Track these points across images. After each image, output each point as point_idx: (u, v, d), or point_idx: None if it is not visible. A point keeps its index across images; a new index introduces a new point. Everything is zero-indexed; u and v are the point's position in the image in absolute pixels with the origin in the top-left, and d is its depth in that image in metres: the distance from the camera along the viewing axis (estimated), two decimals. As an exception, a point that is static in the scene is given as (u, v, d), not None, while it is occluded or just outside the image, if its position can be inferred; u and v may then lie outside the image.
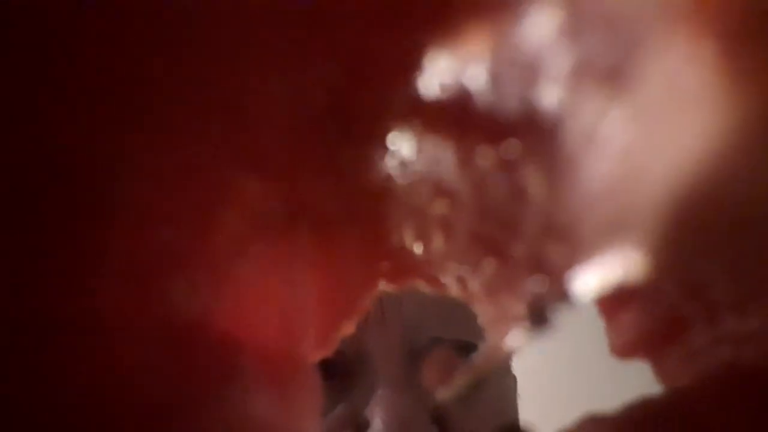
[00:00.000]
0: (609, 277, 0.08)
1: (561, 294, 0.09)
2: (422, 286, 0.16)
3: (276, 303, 0.14)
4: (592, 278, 0.08)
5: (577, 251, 0.09)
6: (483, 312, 0.14)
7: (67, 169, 0.08)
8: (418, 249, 0.15)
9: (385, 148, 0.11)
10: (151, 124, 0.09)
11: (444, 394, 0.13)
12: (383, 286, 0.16)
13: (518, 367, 0.34)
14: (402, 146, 0.10)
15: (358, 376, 0.30)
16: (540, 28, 0.07)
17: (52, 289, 0.09)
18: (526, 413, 0.33)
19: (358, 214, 0.13)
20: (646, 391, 0.16)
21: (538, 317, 0.10)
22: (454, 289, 0.15)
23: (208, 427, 0.11)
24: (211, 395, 0.11)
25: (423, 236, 0.14)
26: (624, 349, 0.18)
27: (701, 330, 0.17)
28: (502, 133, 0.09)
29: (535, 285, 0.10)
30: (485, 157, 0.09)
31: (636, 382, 0.22)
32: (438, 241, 0.13)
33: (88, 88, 0.09)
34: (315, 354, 0.14)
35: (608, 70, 0.07)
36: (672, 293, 0.17)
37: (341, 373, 0.31)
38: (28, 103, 0.07)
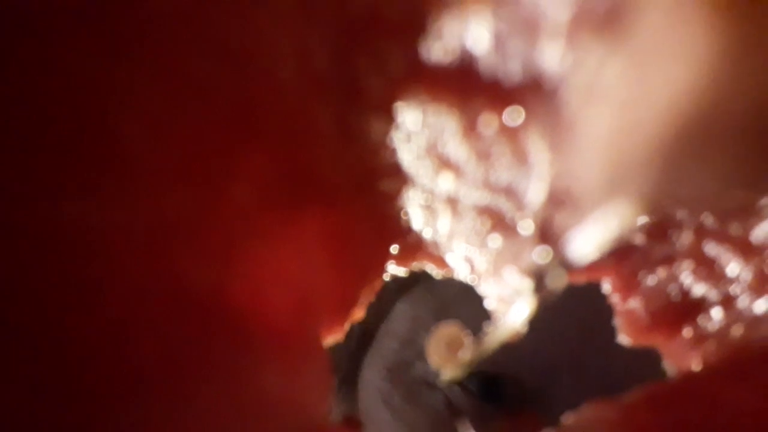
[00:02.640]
0: (608, 236, 0.08)
1: (563, 260, 0.09)
2: (431, 269, 0.16)
3: (287, 279, 0.14)
4: (593, 239, 0.08)
5: (578, 213, 0.09)
6: (489, 290, 0.14)
7: (82, 121, 0.08)
8: (426, 230, 0.15)
9: (391, 120, 0.11)
10: (160, 98, 0.09)
11: (451, 371, 0.14)
12: (392, 266, 0.16)
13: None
14: (407, 117, 0.11)
15: None
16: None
17: (68, 260, 0.09)
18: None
19: (366, 190, 0.13)
20: (658, 374, 0.16)
21: (542, 287, 0.10)
22: (461, 270, 0.15)
23: (217, 398, 0.11)
24: (221, 366, 0.11)
25: (430, 215, 0.14)
26: (636, 333, 0.18)
27: (714, 312, 0.17)
28: (505, 98, 0.09)
29: (539, 255, 0.10)
30: (489, 124, 0.10)
31: (648, 365, 0.22)
32: (445, 220, 0.14)
33: (104, 60, 0.09)
34: (325, 330, 0.15)
35: (603, 17, 0.07)
36: (684, 275, 0.17)
37: None
38: (57, 80, 0.08)
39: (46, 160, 0.07)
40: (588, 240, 0.09)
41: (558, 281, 0.10)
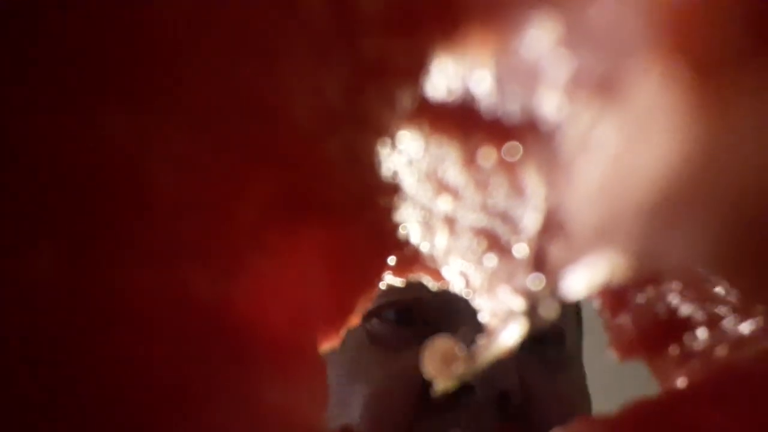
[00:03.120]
0: (598, 276, 0.09)
1: (555, 290, 0.10)
2: (427, 281, 0.17)
3: (288, 293, 0.14)
4: (583, 276, 0.09)
5: (571, 250, 0.09)
6: (483, 305, 0.14)
7: (99, 159, 0.08)
8: (423, 244, 0.15)
9: (394, 147, 0.11)
10: (179, 138, 0.10)
11: (443, 383, 0.14)
12: (389, 278, 0.16)
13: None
14: (410, 145, 0.11)
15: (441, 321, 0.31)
16: (540, 39, 0.08)
17: (84, 273, 0.09)
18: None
19: (367, 209, 0.13)
20: (644, 391, 0.17)
21: (534, 314, 0.10)
22: (457, 284, 0.16)
23: (218, 408, 0.11)
24: (222, 377, 0.11)
25: (428, 232, 0.14)
26: (623, 349, 0.19)
27: (699, 332, 0.18)
28: (504, 135, 0.09)
29: (532, 282, 0.11)
30: (488, 157, 0.10)
31: (634, 382, 0.22)
32: (442, 237, 0.14)
33: (115, 81, 0.09)
34: (322, 337, 0.15)
35: (600, 81, 0.07)
36: (671, 295, 0.18)
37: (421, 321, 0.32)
38: (63, 95, 0.08)
39: (85, 208, 0.08)
40: (579, 278, 0.09)
41: (549, 311, 0.10)
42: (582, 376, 0.35)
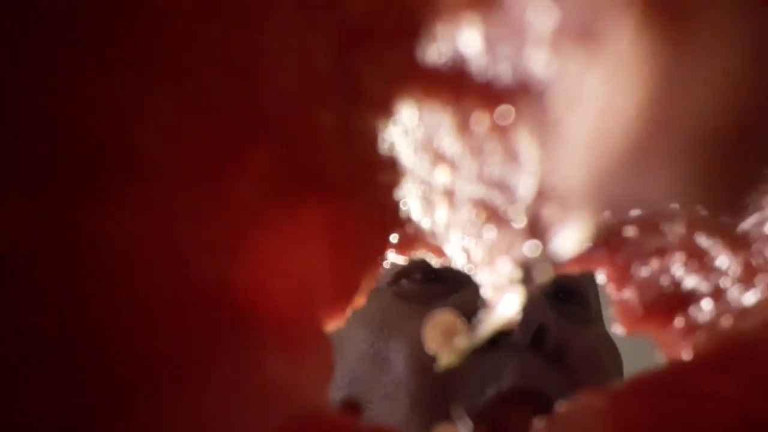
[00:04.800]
0: (586, 233, 0.09)
1: (549, 254, 0.10)
2: (429, 257, 0.17)
3: (289, 269, 0.14)
4: (573, 234, 0.09)
5: (563, 210, 0.09)
6: (484, 278, 0.14)
7: (102, 134, 0.08)
8: (424, 220, 0.15)
9: (389, 117, 0.11)
10: (172, 108, 0.10)
11: (446, 357, 0.14)
12: (392, 255, 0.16)
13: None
14: (404, 114, 0.11)
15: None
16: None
17: (87, 248, 0.09)
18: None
19: (366, 185, 0.13)
20: (649, 362, 0.17)
21: (530, 280, 0.10)
22: (458, 259, 0.16)
23: (221, 377, 0.11)
24: (226, 354, 0.12)
25: (428, 206, 0.14)
26: (629, 323, 0.19)
27: (704, 303, 0.18)
28: (496, 98, 0.09)
29: (529, 249, 0.11)
30: (481, 122, 0.10)
31: (640, 353, 0.22)
32: (442, 212, 0.14)
33: (117, 60, 0.09)
34: (326, 317, 0.15)
35: (582, 32, 0.07)
36: (675, 267, 0.18)
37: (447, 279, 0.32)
38: (70, 73, 0.08)
39: (73, 167, 0.08)
40: (569, 236, 0.09)
41: (544, 275, 0.11)
42: (609, 336, 0.35)
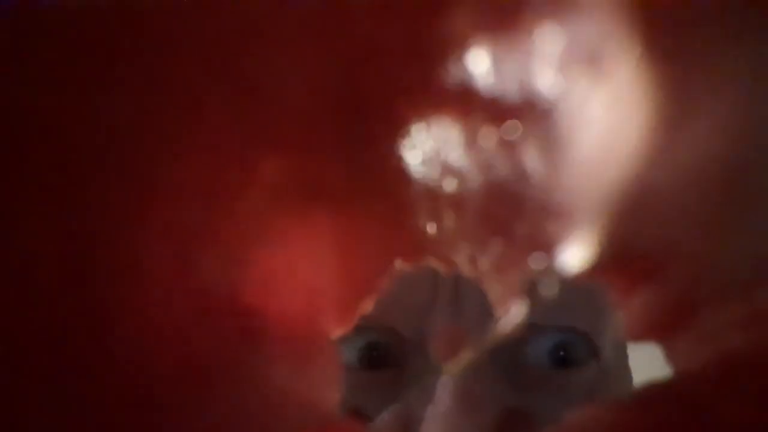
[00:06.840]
0: (591, 252, 0.09)
1: (555, 268, 0.10)
2: (437, 265, 0.17)
3: (298, 280, 0.14)
4: (578, 251, 0.09)
5: (569, 226, 0.09)
6: (491, 289, 0.14)
7: (113, 149, 0.09)
8: (431, 228, 0.15)
9: (396, 129, 0.11)
10: (184, 124, 0.10)
11: (453, 367, 0.14)
12: (400, 264, 0.17)
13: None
14: (412, 128, 0.11)
15: (413, 364, 0.25)
16: (533, 16, 0.08)
17: (99, 260, 0.10)
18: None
19: (373, 195, 0.13)
20: (656, 374, 0.17)
21: (536, 293, 0.10)
22: (465, 268, 0.16)
23: (230, 392, 0.11)
24: (234, 362, 0.12)
25: (435, 216, 0.14)
26: (636, 331, 0.18)
27: (711, 313, 0.18)
28: (503, 114, 0.09)
29: (535, 262, 0.11)
30: (488, 137, 0.10)
31: (646, 364, 0.22)
32: (449, 221, 0.14)
33: (125, 77, 0.10)
34: (335, 328, 0.15)
35: (588, 57, 0.07)
36: (682, 276, 0.18)
37: (392, 362, 0.26)
38: (76, 89, 0.08)
39: (88, 185, 0.08)
40: (575, 252, 0.09)
41: (550, 289, 0.11)
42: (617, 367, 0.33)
